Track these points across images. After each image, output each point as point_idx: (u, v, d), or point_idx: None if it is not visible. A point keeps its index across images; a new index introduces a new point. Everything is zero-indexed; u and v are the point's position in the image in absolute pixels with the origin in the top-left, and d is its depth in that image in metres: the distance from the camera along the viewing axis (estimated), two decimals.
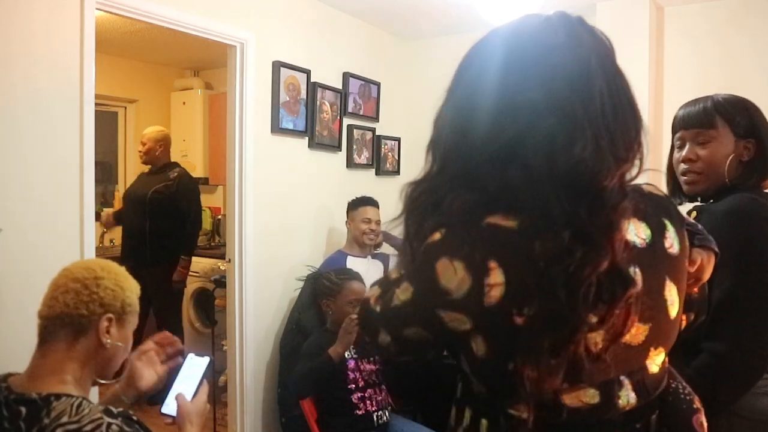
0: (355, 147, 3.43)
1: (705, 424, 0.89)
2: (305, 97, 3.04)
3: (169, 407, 1.27)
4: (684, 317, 0.92)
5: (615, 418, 0.80)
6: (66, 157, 2.06)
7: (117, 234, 3.99)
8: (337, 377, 2.25)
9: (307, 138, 3.10)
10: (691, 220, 1.01)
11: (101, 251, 3.57)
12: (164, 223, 3.48)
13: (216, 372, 3.26)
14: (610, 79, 0.77)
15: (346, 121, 3.38)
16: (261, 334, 2.87)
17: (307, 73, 3.04)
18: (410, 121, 3.87)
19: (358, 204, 2.95)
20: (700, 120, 1.40)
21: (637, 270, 0.77)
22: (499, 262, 0.73)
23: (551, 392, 0.76)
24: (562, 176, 0.72)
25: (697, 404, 0.90)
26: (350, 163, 3.42)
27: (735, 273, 1.19)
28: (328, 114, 3.20)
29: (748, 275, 1.22)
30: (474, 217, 0.76)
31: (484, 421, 0.85)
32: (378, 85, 3.59)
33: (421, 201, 0.82)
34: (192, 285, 4.02)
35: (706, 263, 0.95)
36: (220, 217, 4.45)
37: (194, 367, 1.34)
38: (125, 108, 4.62)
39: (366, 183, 3.49)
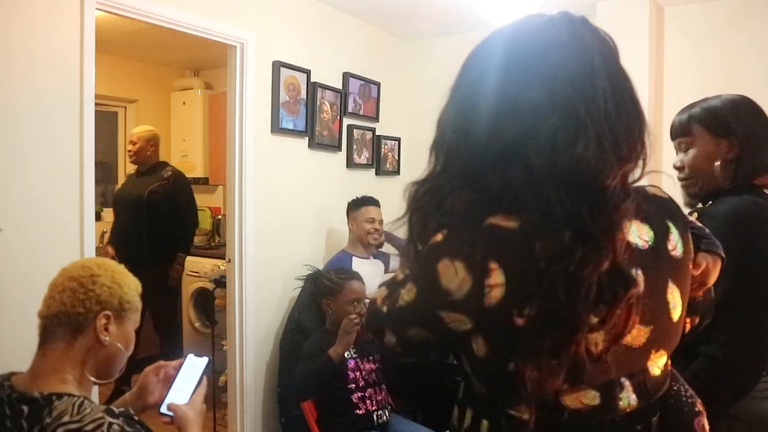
0: (355, 147, 3.44)
1: (707, 427, 0.89)
2: (305, 97, 3.04)
3: (167, 408, 1.27)
4: (689, 320, 0.91)
5: (616, 420, 0.80)
6: (66, 157, 2.06)
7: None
8: (337, 377, 2.25)
9: (307, 138, 3.10)
10: (698, 224, 1.00)
11: (101, 251, 3.57)
12: (162, 224, 3.46)
13: (216, 372, 3.26)
14: (613, 78, 0.76)
15: (346, 121, 3.38)
16: (261, 334, 2.87)
17: (307, 73, 3.04)
18: (410, 121, 3.87)
19: (360, 204, 2.93)
20: (677, 129, 1.45)
21: (639, 272, 0.77)
22: (500, 263, 0.73)
23: (552, 393, 0.76)
24: (563, 175, 0.72)
25: (699, 407, 0.90)
26: (350, 163, 3.42)
27: (733, 275, 1.19)
28: (328, 114, 3.21)
29: (747, 277, 1.22)
30: (475, 218, 0.76)
31: (484, 422, 0.85)
32: (378, 85, 3.59)
33: (425, 201, 0.82)
34: (192, 285, 4.01)
35: (711, 268, 0.94)
36: (220, 217, 4.44)
37: (193, 368, 1.34)
38: (125, 108, 4.62)
39: (366, 183, 3.49)
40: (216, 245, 4.29)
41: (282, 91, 2.89)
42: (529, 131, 0.74)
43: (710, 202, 1.39)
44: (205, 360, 1.36)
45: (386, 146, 3.73)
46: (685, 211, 1.08)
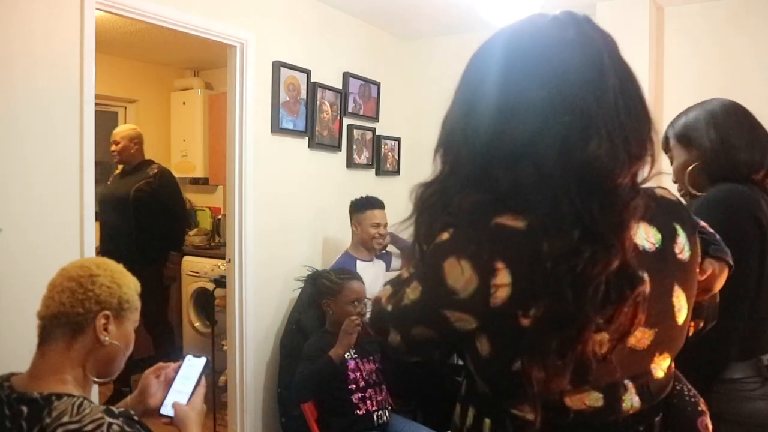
0: (355, 147, 3.44)
1: (710, 427, 0.89)
2: (305, 97, 3.04)
3: (168, 408, 1.27)
4: (693, 324, 0.91)
5: (618, 421, 0.80)
6: (66, 157, 2.06)
7: None
8: (338, 377, 2.25)
9: (307, 138, 3.10)
10: (709, 229, 1.00)
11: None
12: (150, 222, 3.40)
13: (216, 372, 3.26)
14: (621, 75, 0.76)
15: (346, 121, 3.38)
16: (261, 334, 2.87)
17: (307, 73, 3.04)
18: (410, 121, 3.87)
19: (365, 206, 2.88)
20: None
21: (645, 275, 0.76)
22: (506, 263, 0.72)
23: (556, 394, 0.76)
24: (574, 174, 0.71)
25: (702, 406, 0.90)
26: (350, 163, 3.42)
27: None
28: (328, 114, 3.21)
29: None
30: (482, 217, 0.75)
31: (487, 421, 0.85)
32: (378, 85, 3.59)
33: (432, 202, 0.82)
34: (192, 285, 4.02)
35: (717, 274, 0.94)
36: (220, 217, 4.44)
37: (192, 368, 1.34)
38: (125, 108, 4.62)
39: (366, 183, 3.49)
40: (216, 245, 4.29)
41: (282, 91, 2.89)
42: (540, 130, 0.73)
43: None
44: (203, 360, 1.36)
45: (386, 146, 3.73)
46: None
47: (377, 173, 3.68)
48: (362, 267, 2.79)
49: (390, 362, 2.44)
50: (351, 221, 2.93)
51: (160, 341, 3.56)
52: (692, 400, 0.90)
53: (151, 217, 3.41)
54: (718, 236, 0.99)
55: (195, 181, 4.81)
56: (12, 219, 1.91)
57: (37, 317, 1.14)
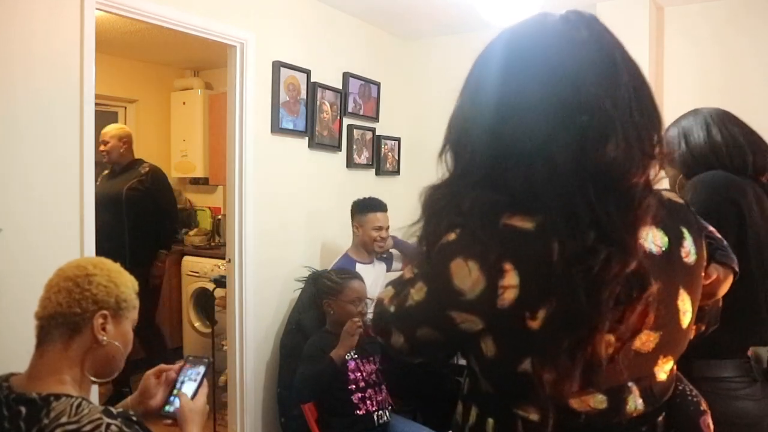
0: (355, 147, 3.43)
1: (712, 426, 0.89)
2: (305, 97, 3.04)
3: (169, 408, 1.27)
4: (694, 327, 0.91)
5: (622, 423, 0.80)
6: (66, 157, 2.06)
7: None
8: (338, 378, 2.25)
9: (307, 138, 3.10)
10: (717, 234, 1.00)
11: None
12: (143, 221, 3.37)
13: (216, 372, 3.26)
14: (632, 74, 0.76)
15: (346, 121, 3.38)
16: (261, 334, 2.87)
17: (307, 73, 3.04)
18: (410, 121, 3.87)
19: (368, 209, 2.85)
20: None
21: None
22: (515, 264, 0.72)
23: (567, 395, 0.75)
24: (590, 174, 0.71)
25: (704, 406, 0.90)
26: (350, 163, 3.42)
27: None
28: (328, 114, 3.20)
29: None
30: (490, 218, 0.75)
31: (490, 421, 0.84)
32: (378, 85, 3.59)
33: (442, 205, 0.80)
34: (192, 285, 4.02)
35: (722, 279, 0.94)
36: (220, 217, 4.45)
37: (193, 369, 1.34)
38: (125, 108, 4.62)
39: (366, 183, 3.49)
40: (216, 245, 4.29)
41: (282, 91, 2.89)
42: (556, 130, 0.72)
43: None
44: (205, 361, 1.36)
45: (386, 146, 3.73)
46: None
47: (377, 173, 3.67)
48: (361, 269, 2.78)
49: (390, 362, 2.43)
50: (352, 222, 2.90)
51: (149, 343, 3.44)
52: (694, 400, 0.90)
53: (144, 217, 3.38)
54: (725, 242, 0.99)
55: (195, 181, 4.81)
56: (12, 219, 1.91)
57: (35, 318, 1.14)
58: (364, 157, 3.53)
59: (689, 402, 0.89)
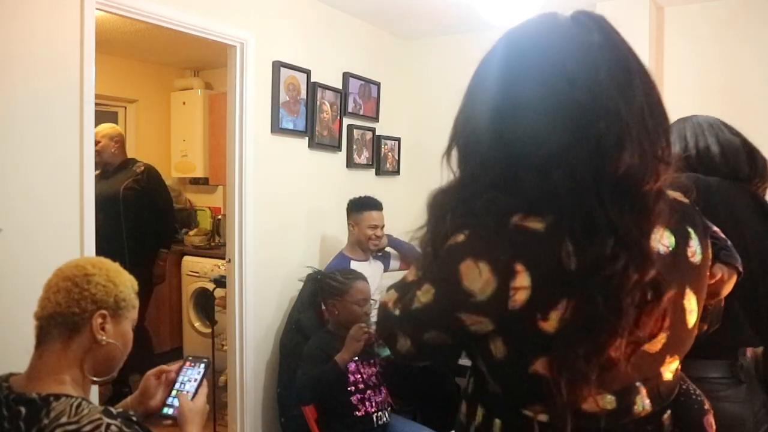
0: (355, 147, 3.43)
1: (714, 426, 0.89)
2: (305, 97, 3.04)
3: (169, 408, 1.27)
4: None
5: (629, 423, 0.80)
6: (66, 157, 2.06)
7: None
8: (339, 380, 2.24)
9: (307, 138, 3.10)
10: (721, 235, 1.00)
11: None
12: (141, 220, 3.34)
13: (216, 372, 3.26)
14: (643, 76, 0.76)
15: (346, 121, 3.38)
16: (261, 334, 2.87)
17: (307, 73, 3.04)
18: (410, 121, 3.87)
19: (363, 207, 2.87)
20: None
21: None
22: (526, 265, 0.71)
23: (581, 399, 0.75)
24: (607, 181, 0.71)
25: (707, 405, 0.91)
26: (350, 163, 3.42)
27: None
28: (328, 114, 3.20)
29: None
30: (500, 219, 0.74)
31: (497, 421, 0.84)
32: (378, 85, 3.59)
33: (451, 207, 0.79)
34: (192, 285, 4.02)
35: (726, 279, 0.95)
36: (220, 217, 4.45)
37: (193, 369, 1.34)
38: (125, 108, 4.62)
39: (366, 183, 3.49)
40: (216, 245, 4.29)
41: (282, 91, 2.89)
42: (575, 136, 0.72)
43: None
44: (204, 361, 1.36)
45: (386, 146, 3.73)
46: None
47: (377, 173, 3.67)
48: (356, 267, 2.78)
49: (390, 363, 2.43)
50: (348, 220, 2.92)
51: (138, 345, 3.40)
52: (698, 399, 0.90)
53: (141, 216, 3.35)
54: (729, 242, 0.99)
55: (195, 181, 4.81)
56: (12, 219, 1.91)
57: (34, 318, 1.14)
58: (364, 157, 3.53)
59: (693, 401, 0.89)
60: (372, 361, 2.36)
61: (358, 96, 3.45)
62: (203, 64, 4.67)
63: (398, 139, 3.82)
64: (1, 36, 1.87)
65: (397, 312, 0.83)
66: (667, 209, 0.76)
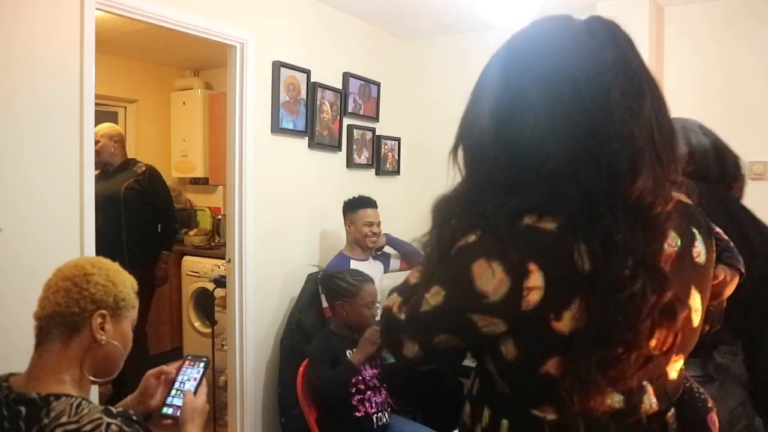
0: (355, 147, 3.44)
1: (717, 423, 0.90)
2: (305, 97, 3.04)
3: (169, 408, 1.27)
4: None
5: (636, 422, 0.80)
6: (66, 157, 2.06)
7: None
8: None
9: (307, 138, 3.10)
10: (724, 236, 1.01)
11: None
12: (141, 221, 3.32)
13: (216, 372, 3.26)
14: (654, 92, 0.76)
15: (346, 121, 3.38)
16: (261, 334, 2.87)
17: (307, 73, 3.04)
18: (410, 121, 3.87)
19: (357, 206, 2.88)
20: None
21: None
22: (539, 265, 0.71)
23: (592, 402, 0.75)
24: (621, 203, 0.71)
25: (710, 403, 0.91)
26: (350, 163, 3.42)
27: None
28: (328, 114, 3.21)
29: None
30: (511, 219, 0.74)
31: (504, 422, 0.83)
32: (378, 85, 3.59)
33: (458, 212, 0.79)
34: (192, 285, 4.02)
35: (728, 280, 0.95)
36: (220, 217, 4.45)
37: (193, 368, 1.34)
38: (125, 108, 4.62)
39: (366, 183, 3.49)
40: (216, 245, 4.29)
41: (282, 91, 2.89)
42: (588, 153, 0.72)
43: None
44: (204, 360, 1.36)
45: (386, 146, 3.73)
46: None
47: (377, 173, 3.67)
48: (356, 266, 2.78)
49: (391, 364, 2.43)
50: (345, 221, 2.93)
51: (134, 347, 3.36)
52: (702, 396, 0.91)
53: (141, 216, 3.33)
54: (731, 243, 1.00)
55: (195, 181, 4.82)
56: (12, 219, 1.91)
57: (34, 318, 1.13)
58: (364, 157, 3.53)
59: (696, 399, 0.90)
60: (374, 362, 2.36)
61: (358, 96, 3.45)
62: (203, 64, 4.67)
63: (398, 139, 3.82)
64: (1, 36, 1.87)
65: (402, 316, 0.82)
66: (677, 224, 0.77)
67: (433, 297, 0.77)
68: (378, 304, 2.37)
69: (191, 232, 4.40)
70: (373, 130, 3.60)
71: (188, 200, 4.82)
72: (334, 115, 3.25)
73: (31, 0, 1.94)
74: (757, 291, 1.26)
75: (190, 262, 4.11)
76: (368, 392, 2.29)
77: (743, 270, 0.98)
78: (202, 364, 1.35)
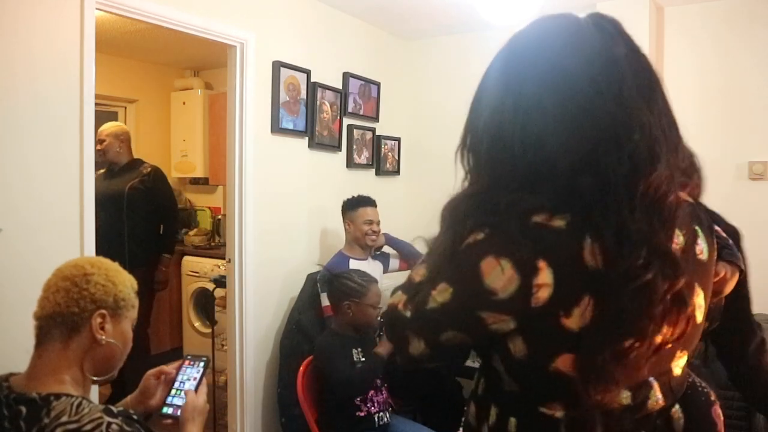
0: (355, 147, 3.44)
1: (722, 416, 0.91)
2: (305, 97, 3.04)
3: (169, 408, 1.27)
4: None
5: (642, 417, 0.81)
6: (66, 157, 2.06)
7: None
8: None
9: (307, 138, 3.10)
10: (723, 234, 1.02)
11: None
12: (143, 222, 3.30)
13: (216, 372, 3.26)
14: (661, 88, 0.77)
15: (346, 121, 3.38)
16: (261, 334, 2.87)
17: (307, 73, 3.04)
18: (410, 121, 3.87)
19: (356, 205, 2.88)
20: None
21: None
22: (548, 262, 0.71)
23: (603, 397, 0.75)
24: (640, 195, 0.71)
25: (713, 396, 0.92)
26: (350, 163, 3.42)
27: None
28: (328, 114, 3.21)
29: None
30: (520, 216, 0.74)
31: (512, 420, 0.84)
32: (378, 85, 3.59)
33: (471, 211, 0.78)
34: (192, 285, 4.02)
35: (728, 277, 0.96)
36: (220, 217, 4.45)
37: (193, 368, 1.34)
38: (125, 108, 4.63)
39: (366, 183, 3.49)
40: (216, 245, 4.30)
41: (282, 91, 2.89)
42: (608, 146, 0.72)
43: None
44: (204, 360, 1.36)
45: (386, 146, 3.73)
46: None
47: (377, 173, 3.67)
48: (355, 265, 2.78)
49: (391, 363, 2.42)
50: (344, 220, 2.92)
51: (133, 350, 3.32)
52: (705, 391, 0.92)
53: (144, 217, 3.31)
54: (731, 240, 1.00)
55: (195, 181, 4.82)
56: (12, 219, 1.91)
57: (34, 318, 1.14)
58: (364, 157, 3.53)
59: (700, 393, 0.91)
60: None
61: (358, 96, 3.45)
62: (203, 64, 4.67)
63: (398, 139, 3.82)
64: (1, 36, 1.87)
65: (408, 314, 0.81)
66: (686, 214, 0.78)
67: (441, 294, 0.77)
68: (382, 306, 2.37)
69: (191, 232, 4.40)
70: (373, 130, 3.60)
71: (188, 200, 4.83)
72: (334, 115, 3.25)
73: (31, 0, 1.94)
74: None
75: (190, 262, 4.12)
76: (370, 392, 2.30)
77: (743, 267, 0.99)
78: (201, 364, 1.35)
